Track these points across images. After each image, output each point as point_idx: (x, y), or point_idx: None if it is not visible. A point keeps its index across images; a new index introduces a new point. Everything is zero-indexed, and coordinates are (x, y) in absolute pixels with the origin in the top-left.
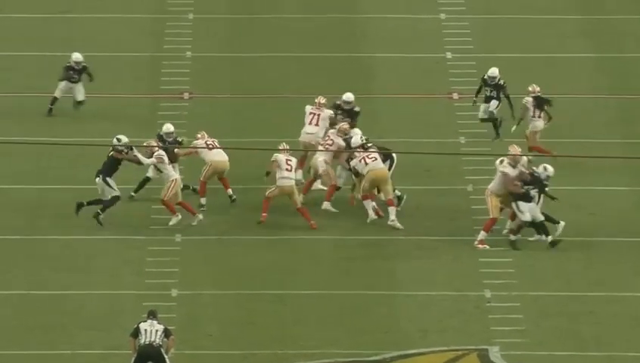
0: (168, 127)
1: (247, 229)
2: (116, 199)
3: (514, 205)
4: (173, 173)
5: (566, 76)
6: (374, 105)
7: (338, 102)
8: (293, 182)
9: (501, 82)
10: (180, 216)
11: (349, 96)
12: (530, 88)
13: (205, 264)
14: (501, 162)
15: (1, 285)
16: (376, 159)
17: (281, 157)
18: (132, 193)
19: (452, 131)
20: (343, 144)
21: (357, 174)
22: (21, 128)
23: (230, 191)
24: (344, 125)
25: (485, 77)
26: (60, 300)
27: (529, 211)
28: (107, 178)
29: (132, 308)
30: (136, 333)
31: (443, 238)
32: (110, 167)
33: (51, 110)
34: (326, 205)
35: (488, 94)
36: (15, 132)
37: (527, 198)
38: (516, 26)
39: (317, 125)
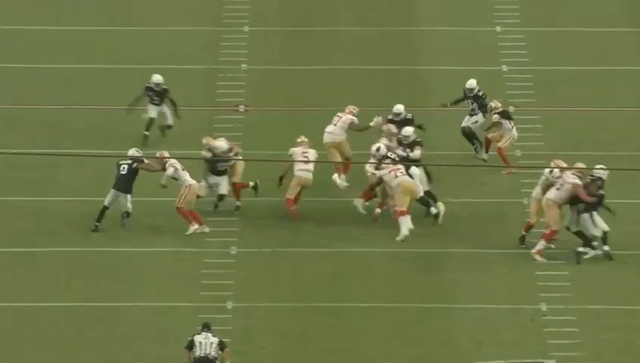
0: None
1: (302, 242)
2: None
3: (585, 216)
4: (188, 179)
5: (621, 88)
6: (431, 117)
7: (390, 116)
8: (310, 175)
9: (480, 93)
10: (197, 226)
11: (398, 108)
12: (493, 105)
13: (260, 276)
14: (551, 172)
15: (58, 297)
16: (403, 172)
17: (297, 151)
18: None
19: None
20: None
21: (378, 183)
22: (77, 141)
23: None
24: (391, 127)
25: (464, 88)
26: (115, 312)
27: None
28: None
29: (186, 320)
30: (191, 346)
31: (499, 251)
32: (131, 180)
33: (146, 136)
34: (357, 202)
35: (470, 106)
36: (69, 145)
37: (596, 208)
38: (571, 38)
39: (335, 125)
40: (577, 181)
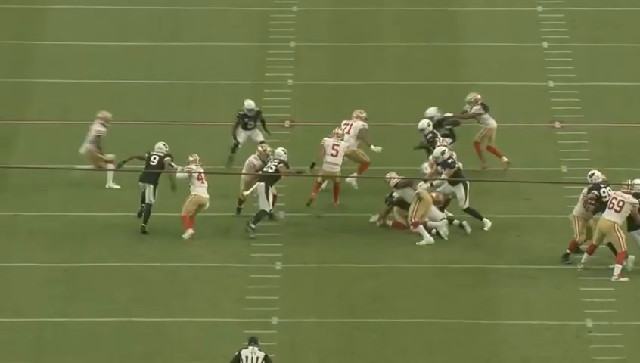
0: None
1: (347, 257)
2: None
3: (634, 233)
4: (196, 189)
5: None
6: (475, 132)
7: (426, 126)
8: (337, 168)
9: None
10: (192, 231)
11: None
12: (471, 98)
13: (305, 292)
14: (589, 191)
15: (103, 312)
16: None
17: (329, 142)
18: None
19: (553, 159)
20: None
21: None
22: (121, 157)
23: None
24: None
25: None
26: (160, 327)
27: None
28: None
29: (232, 335)
30: (237, 360)
31: (544, 267)
32: (157, 176)
33: (231, 158)
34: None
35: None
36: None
37: None
38: (618, 53)
39: (348, 133)
40: (635, 200)
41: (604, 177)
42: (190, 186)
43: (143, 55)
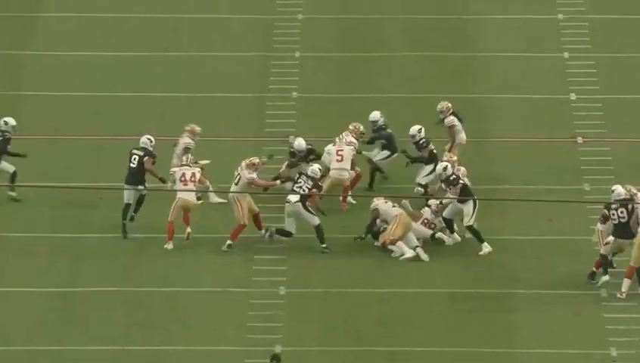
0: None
1: (355, 281)
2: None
3: None
4: (182, 193)
5: None
6: (491, 148)
7: (416, 132)
8: (346, 174)
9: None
10: (171, 246)
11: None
12: (442, 106)
13: (311, 318)
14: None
15: (98, 340)
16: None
17: (332, 149)
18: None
19: (575, 177)
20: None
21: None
22: (119, 174)
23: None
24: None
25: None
26: (159, 355)
27: None
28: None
29: None
30: None
31: (564, 291)
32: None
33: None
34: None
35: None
36: (110, 178)
37: None
38: None
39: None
40: None
41: (628, 193)
42: (174, 186)
43: (140, 66)
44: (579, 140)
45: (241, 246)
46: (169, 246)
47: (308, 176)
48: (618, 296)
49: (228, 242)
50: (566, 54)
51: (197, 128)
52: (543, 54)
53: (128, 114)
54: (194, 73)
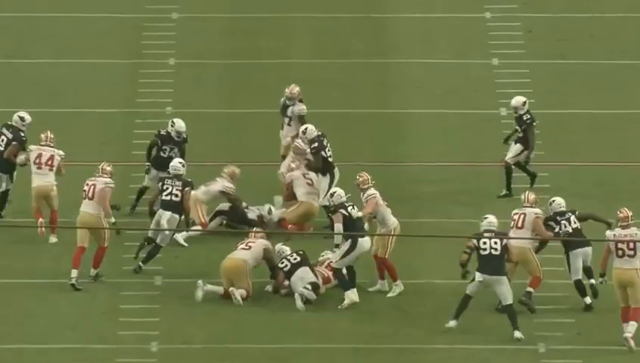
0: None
1: (242, 336)
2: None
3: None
4: (36, 177)
5: None
6: (407, 173)
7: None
8: (316, 200)
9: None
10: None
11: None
12: (291, 92)
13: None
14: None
15: None
16: None
17: (297, 174)
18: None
19: (510, 206)
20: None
21: None
22: None
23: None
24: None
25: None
26: None
27: None
28: None
29: None
30: None
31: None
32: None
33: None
34: None
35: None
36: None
37: None
38: (588, 72)
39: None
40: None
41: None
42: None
43: None
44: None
45: (105, 293)
46: (53, 238)
47: (172, 177)
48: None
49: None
50: (495, 61)
51: (237, 171)
52: (468, 61)
53: None
54: (45, 84)
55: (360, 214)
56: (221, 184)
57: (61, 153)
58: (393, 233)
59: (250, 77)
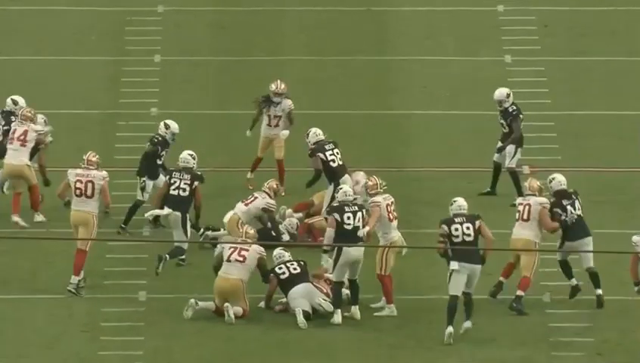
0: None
1: (235, 358)
2: None
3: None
4: (9, 155)
5: None
6: (409, 178)
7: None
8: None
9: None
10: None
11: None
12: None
13: None
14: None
15: None
16: None
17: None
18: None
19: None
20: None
21: None
22: None
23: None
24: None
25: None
26: None
27: None
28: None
29: None
30: None
31: None
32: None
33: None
34: None
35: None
36: None
37: None
38: (609, 70)
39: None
40: None
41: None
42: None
43: None
44: (525, 169)
45: (84, 309)
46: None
47: (180, 170)
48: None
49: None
50: (508, 58)
51: (281, 188)
52: (478, 58)
53: None
54: (19, 83)
55: (363, 230)
56: (263, 201)
57: (39, 128)
58: (388, 249)
59: (241, 75)
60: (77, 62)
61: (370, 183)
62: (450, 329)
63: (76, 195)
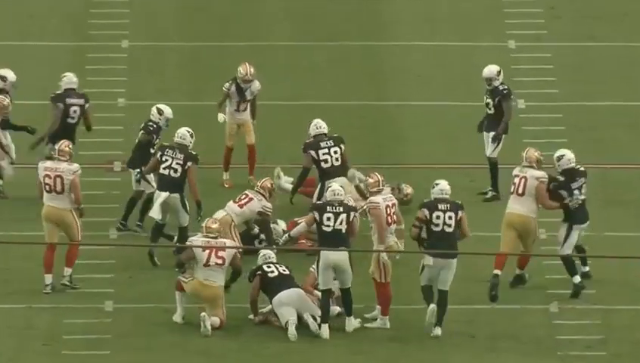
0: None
1: None
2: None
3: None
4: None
5: None
6: (406, 176)
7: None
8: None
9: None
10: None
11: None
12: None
13: None
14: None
15: None
16: None
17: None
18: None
19: None
20: None
21: None
22: None
23: None
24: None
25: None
26: None
27: None
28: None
29: None
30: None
31: None
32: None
33: None
34: None
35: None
36: None
37: None
38: (620, 56)
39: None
40: None
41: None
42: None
43: None
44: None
45: (45, 320)
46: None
47: (174, 148)
48: None
49: None
50: (512, 43)
51: (269, 184)
52: (479, 43)
53: None
54: None
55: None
56: (259, 203)
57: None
58: (380, 257)
59: (216, 63)
60: (36, 47)
61: (370, 180)
62: (432, 306)
63: (46, 191)
